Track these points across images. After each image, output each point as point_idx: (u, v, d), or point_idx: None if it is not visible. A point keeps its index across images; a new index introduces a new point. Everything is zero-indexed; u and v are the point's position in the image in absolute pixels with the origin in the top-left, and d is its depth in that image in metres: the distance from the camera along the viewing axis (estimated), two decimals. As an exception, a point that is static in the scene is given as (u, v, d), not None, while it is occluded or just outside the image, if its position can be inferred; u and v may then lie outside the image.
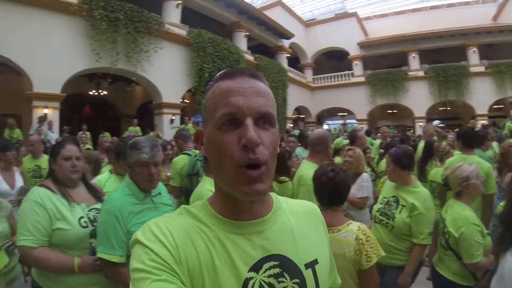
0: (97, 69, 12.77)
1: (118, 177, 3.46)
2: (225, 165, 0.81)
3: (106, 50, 12.09)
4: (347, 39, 25.95)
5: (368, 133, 12.15)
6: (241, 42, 19.53)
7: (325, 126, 31.71)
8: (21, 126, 12.41)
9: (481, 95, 22.29)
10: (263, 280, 0.82)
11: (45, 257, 2.14)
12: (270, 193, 0.97)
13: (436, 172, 4.87)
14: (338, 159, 5.99)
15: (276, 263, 0.85)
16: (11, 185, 4.34)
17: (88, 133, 12.38)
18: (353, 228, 2.14)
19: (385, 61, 26.92)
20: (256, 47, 22.97)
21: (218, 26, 18.97)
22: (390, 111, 27.95)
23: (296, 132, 21.28)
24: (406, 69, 24.42)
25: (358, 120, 26.35)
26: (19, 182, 4.46)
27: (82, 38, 11.77)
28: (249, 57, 19.66)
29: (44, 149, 7.52)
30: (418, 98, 23.65)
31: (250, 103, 0.81)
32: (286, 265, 0.86)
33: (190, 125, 13.53)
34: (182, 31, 15.71)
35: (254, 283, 0.81)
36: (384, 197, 3.31)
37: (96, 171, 4.18)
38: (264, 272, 0.83)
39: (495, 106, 23.40)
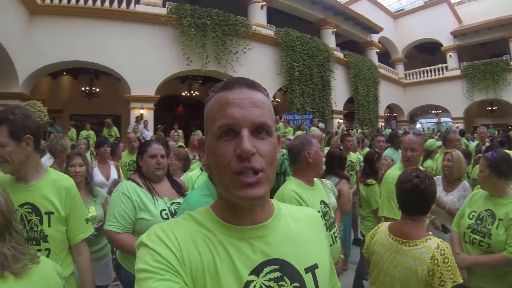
0: (188, 71, 13.44)
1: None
2: (223, 172, 0.83)
3: (196, 54, 12.74)
4: (439, 28, 23.44)
5: (462, 133, 10.69)
6: (329, 39, 18.78)
7: (417, 125, 29.74)
8: (120, 125, 14.24)
9: None
10: (263, 284, 0.84)
11: (127, 241, 2.38)
12: (271, 199, 0.99)
13: None
14: (429, 162, 5.74)
15: (276, 267, 0.87)
16: (106, 177, 4.71)
17: (180, 131, 12.52)
18: (431, 246, 1.90)
19: (483, 51, 24.00)
20: (345, 43, 22.07)
21: (304, 24, 18.56)
22: (490, 108, 24.16)
23: (388, 131, 20.30)
24: (508, 59, 20.99)
25: (453, 118, 23.75)
26: (113, 174, 4.81)
27: (173, 44, 12.82)
28: (339, 54, 18.86)
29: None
30: None
31: (246, 114, 0.83)
32: (286, 269, 0.88)
33: (281, 124, 13.30)
34: (269, 31, 15.70)
35: (254, 286, 0.83)
36: (474, 211, 2.79)
37: (185, 168, 4.29)
38: (265, 275, 0.85)
39: None
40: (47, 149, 4.72)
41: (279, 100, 17.90)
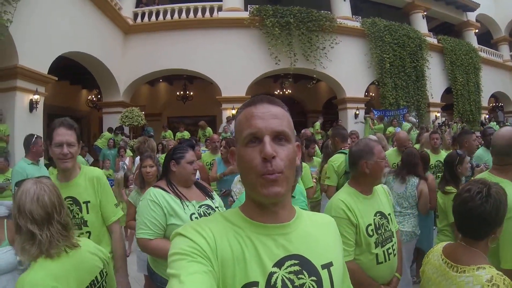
0: (277, 71, 13.82)
1: None
2: (249, 174, 0.98)
3: (283, 53, 12.95)
4: None
5: None
6: (420, 24, 17.44)
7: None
8: (215, 125, 15.53)
9: None
10: (284, 275, 0.97)
11: (161, 246, 2.41)
12: (293, 205, 1.12)
13: None
14: None
15: (296, 261, 1.00)
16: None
17: None
18: (483, 277, 1.54)
19: None
20: (438, 27, 20.51)
21: (392, 11, 17.65)
22: None
23: (493, 124, 18.33)
24: None
25: None
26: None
27: (259, 45, 13.28)
28: (432, 40, 17.35)
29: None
30: None
31: (267, 124, 0.99)
32: (305, 264, 1.01)
33: (370, 120, 13.50)
34: (356, 23, 15.17)
35: (277, 277, 0.96)
36: None
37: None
38: (286, 268, 0.98)
39: None
40: (138, 150, 5.32)
41: (373, 94, 17.19)
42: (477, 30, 20.85)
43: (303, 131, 8.27)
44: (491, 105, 22.11)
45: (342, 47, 14.16)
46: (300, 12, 13.20)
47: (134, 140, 11.00)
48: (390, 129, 12.50)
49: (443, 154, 5.31)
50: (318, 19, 13.39)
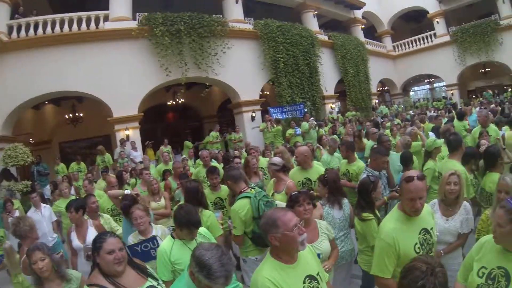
0: (169, 82, 13.18)
1: (182, 243, 3.19)
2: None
3: (174, 63, 12.44)
4: None
5: (461, 116, 9.99)
6: (311, 22, 18.39)
7: (411, 93, 29.60)
8: (111, 146, 14.04)
9: None
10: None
11: None
12: None
13: None
14: (431, 163, 5.39)
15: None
16: (83, 239, 4.48)
17: (169, 147, 12.59)
18: None
19: (471, 13, 23.43)
20: (328, 24, 21.69)
21: (285, 11, 18.15)
22: (483, 71, 24.11)
23: (383, 108, 20.15)
24: (497, 18, 20.58)
25: (446, 86, 23.70)
26: (91, 235, 4.32)
27: (149, 57, 12.42)
28: (323, 37, 18.41)
29: (131, 172, 8.63)
30: None
31: None
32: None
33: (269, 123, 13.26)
34: (248, 25, 15.24)
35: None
36: (484, 267, 2.34)
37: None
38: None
39: None
40: (11, 234, 4.46)
41: (268, 93, 17.51)
42: (363, 26, 22.78)
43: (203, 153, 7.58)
44: (378, 90, 24.50)
45: (235, 51, 14.01)
46: (191, 18, 12.76)
47: (24, 182, 9.83)
48: (290, 131, 12.68)
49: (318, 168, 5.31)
50: (209, 24, 13.11)
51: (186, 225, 3.09)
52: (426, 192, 2.65)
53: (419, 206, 2.53)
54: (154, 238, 3.87)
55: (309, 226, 3.27)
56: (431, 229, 2.70)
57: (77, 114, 15.97)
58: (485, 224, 3.27)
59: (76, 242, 4.44)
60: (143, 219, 3.87)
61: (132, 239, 3.93)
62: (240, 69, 14.32)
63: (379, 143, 6.41)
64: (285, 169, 4.88)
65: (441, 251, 3.38)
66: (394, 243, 2.48)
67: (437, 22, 23.04)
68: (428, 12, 23.46)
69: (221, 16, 14.20)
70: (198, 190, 4.25)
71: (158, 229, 4.07)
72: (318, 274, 2.40)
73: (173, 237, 3.25)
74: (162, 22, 12.24)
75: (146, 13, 12.45)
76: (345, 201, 4.10)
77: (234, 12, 15.16)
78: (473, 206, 4.07)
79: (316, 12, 18.73)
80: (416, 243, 2.53)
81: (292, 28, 15.97)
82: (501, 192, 3.27)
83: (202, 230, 3.41)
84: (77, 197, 7.15)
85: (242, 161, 7.05)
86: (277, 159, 5.04)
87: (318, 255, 3.01)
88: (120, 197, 5.23)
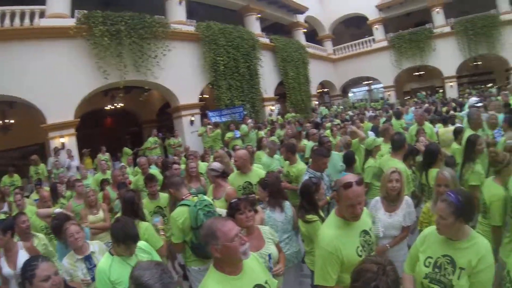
0: (107, 85, 12.58)
1: (121, 260, 3.02)
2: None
3: (112, 65, 11.87)
4: (365, 3, 24.23)
5: (398, 116, 10.84)
6: (254, 25, 18.70)
7: (350, 95, 31.03)
8: (45, 154, 12.61)
9: None
10: None
11: None
12: None
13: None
14: (371, 162, 5.67)
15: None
16: (14, 265, 3.94)
17: (107, 154, 12.18)
18: None
19: (408, 21, 25.17)
20: (270, 27, 22.04)
21: (228, 14, 18.27)
22: (417, 74, 26.38)
23: (324, 110, 20.95)
24: (431, 27, 22.56)
25: (384, 87, 25.27)
26: (22, 259, 3.84)
27: (86, 59, 11.66)
28: (264, 40, 18.80)
29: (67, 184, 7.99)
30: (446, 56, 21.86)
31: None
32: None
33: (209, 127, 13.20)
34: (190, 27, 15.10)
35: None
36: (430, 257, 2.50)
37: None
38: None
39: None
40: None
41: (208, 96, 17.52)
42: (305, 30, 23.58)
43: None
44: (318, 92, 25.61)
45: (175, 54, 13.76)
46: (132, 18, 12.26)
47: None
48: (229, 134, 12.74)
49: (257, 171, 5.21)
50: (151, 25, 12.75)
51: (123, 240, 2.93)
52: (364, 195, 2.68)
53: (359, 212, 2.51)
54: (89, 257, 3.61)
55: (253, 233, 3.21)
56: (370, 229, 2.74)
57: (7, 121, 14.42)
58: (426, 216, 3.51)
59: (6, 269, 3.91)
60: (79, 234, 3.56)
61: (67, 261, 3.57)
62: (180, 72, 14.13)
63: (320, 144, 6.52)
64: (224, 174, 4.82)
65: (387, 245, 3.53)
66: (336, 250, 2.46)
67: (376, 28, 24.61)
68: (368, 19, 24.87)
69: (163, 17, 13.94)
70: (134, 201, 4.08)
71: (94, 245, 3.76)
72: (266, 282, 2.38)
73: (112, 254, 3.05)
74: (102, 21, 11.55)
75: (85, 11, 11.64)
76: (287, 203, 4.05)
77: (177, 13, 14.93)
78: (412, 199, 4.30)
79: (259, 15, 19.09)
80: (358, 247, 2.54)
81: (234, 30, 16.08)
82: (441, 186, 3.38)
83: (141, 244, 3.23)
84: (9, 215, 6.42)
85: (182, 166, 7.00)
86: (216, 165, 4.96)
87: (269, 255, 3.10)
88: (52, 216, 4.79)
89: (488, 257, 2.34)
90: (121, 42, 11.96)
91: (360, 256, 2.47)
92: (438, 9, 22.34)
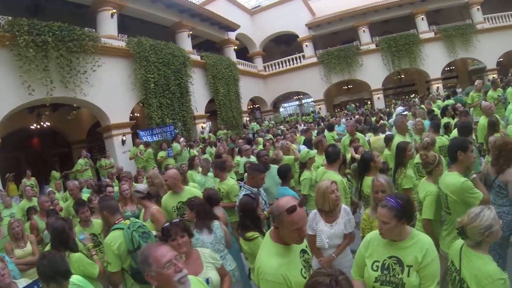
0: (32, 102, 11.65)
1: None
2: None
3: (38, 80, 10.92)
4: (295, 21, 25.89)
5: (330, 127, 11.47)
6: (185, 42, 18.86)
7: (281, 110, 32.19)
8: None
9: (433, 60, 23.67)
10: None
11: None
12: None
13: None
14: (307, 174, 5.74)
15: None
16: None
17: (33, 179, 11.33)
18: None
19: (336, 38, 27.45)
20: (202, 44, 22.45)
21: (160, 29, 18.29)
22: (346, 87, 28.90)
23: (255, 125, 21.50)
24: (358, 44, 24.99)
25: (314, 101, 26.96)
26: None
27: (9, 72, 10.67)
28: (195, 57, 19.06)
29: None
30: (373, 70, 24.48)
31: None
32: None
33: (141, 147, 12.92)
34: (121, 43, 14.74)
35: None
36: (377, 261, 2.60)
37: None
38: None
39: (447, 68, 25.63)
40: None
41: (138, 115, 17.21)
42: (236, 47, 24.29)
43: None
44: (249, 107, 26.59)
45: (106, 70, 13.24)
46: (60, 29, 11.56)
47: None
48: (161, 153, 12.59)
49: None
50: (80, 38, 12.15)
51: (53, 277, 2.67)
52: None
53: (305, 233, 2.49)
54: None
55: (190, 257, 3.06)
56: (306, 246, 2.67)
57: None
58: (367, 222, 3.69)
59: None
60: (4, 271, 3.26)
61: None
62: (110, 90, 13.60)
63: (258, 159, 6.59)
64: (150, 196, 4.73)
65: (333, 255, 3.60)
66: (284, 280, 2.33)
67: (306, 45, 26.51)
68: (298, 37, 26.57)
69: (93, 30, 13.39)
70: (64, 230, 3.73)
71: (22, 283, 3.43)
72: None
73: None
74: (27, 30, 10.62)
75: (10, 17, 10.78)
76: (216, 223, 3.95)
77: (109, 27, 14.50)
78: (350, 206, 4.65)
79: (191, 32, 19.31)
80: (301, 268, 2.45)
81: (166, 47, 15.97)
82: (378, 192, 3.53)
83: (75, 279, 2.91)
84: None
85: (116, 188, 6.79)
86: (141, 186, 4.84)
87: (207, 280, 2.92)
88: None
89: (431, 251, 2.47)
90: (47, 55, 11.15)
91: (305, 278, 2.38)
92: (364, 28, 24.99)
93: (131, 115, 15.34)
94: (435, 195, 3.77)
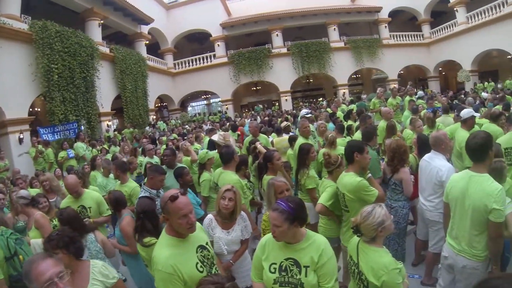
0: None
1: None
2: None
3: None
4: (210, 20, 25.93)
5: (234, 128, 11.92)
6: (95, 32, 17.75)
7: (189, 109, 31.96)
8: None
9: (341, 68, 26.29)
10: None
11: None
12: None
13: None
14: (206, 175, 5.62)
15: None
16: None
17: None
18: None
19: (249, 40, 28.33)
20: (112, 36, 21.53)
21: (69, 14, 17.02)
22: (255, 88, 29.92)
23: (162, 124, 21.00)
24: (270, 47, 26.11)
25: (222, 101, 27.36)
26: None
27: None
28: (104, 49, 18.03)
29: None
30: (282, 73, 25.89)
31: None
32: None
33: (40, 146, 11.85)
34: (23, 25, 13.20)
35: None
36: (274, 263, 2.61)
37: None
38: None
39: (354, 76, 28.50)
40: None
41: (39, 110, 15.65)
42: (147, 41, 23.73)
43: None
44: (156, 106, 26.17)
45: (2, 55, 11.82)
46: None
47: None
48: (62, 153, 11.79)
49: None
50: None
51: None
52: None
53: (193, 220, 2.50)
54: None
55: (76, 272, 2.65)
56: (207, 243, 2.74)
57: None
58: (267, 223, 3.62)
59: None
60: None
61: None
62: (7, 79, 12.13)
63: (161, 161, 6.51)
64: (34, 203, 4.48)
65: (231, 261, 3.59)
66: (175, 271, 2.39)
67: (218, 45, 26.70)
68: (211, 35, 26.63)
69: None
70: None
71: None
72: None
73: None
74: None
75: None
76: (90, 236, 3.82)
77: (10, 5, 12.97)
78: (252, 206, 4.72)
79: (102, 22, 18.32)
80: (197, 262, 2.52)
81: (73, 35, 14.74)
82: (283, 192, 3.53)
83: None
84: None
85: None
86: (24, 192, 4.53)
87: None
88: None
89: (327, 251, 2.53)
90: None
91: (201, 272, 2.49)
92: (278, 32, 26.24)
93: (30, 109, 13.96)
94: (334, 188, 4.11)
